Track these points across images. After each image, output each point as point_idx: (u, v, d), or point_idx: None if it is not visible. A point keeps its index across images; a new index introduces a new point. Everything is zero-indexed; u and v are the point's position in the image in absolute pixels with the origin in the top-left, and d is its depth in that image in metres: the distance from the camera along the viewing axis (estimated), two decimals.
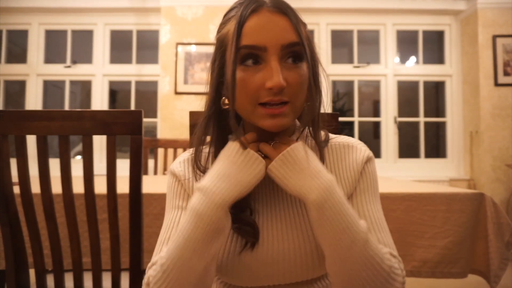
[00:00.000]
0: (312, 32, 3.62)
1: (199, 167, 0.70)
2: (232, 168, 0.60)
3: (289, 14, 0.61)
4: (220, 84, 0.66)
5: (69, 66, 3.63)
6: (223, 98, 0.66)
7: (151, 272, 0.62)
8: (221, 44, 0.65)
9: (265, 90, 0.59)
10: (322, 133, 0.72)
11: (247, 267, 0.65)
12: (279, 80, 0.57)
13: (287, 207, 0.68)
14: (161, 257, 0.61)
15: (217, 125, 0.68)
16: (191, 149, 0.72)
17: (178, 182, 0.71)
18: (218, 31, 0.67)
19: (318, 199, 0.57)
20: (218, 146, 0.67)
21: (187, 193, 0.71)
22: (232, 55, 0.60)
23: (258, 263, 0.65)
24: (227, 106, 0.64)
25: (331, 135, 0.75)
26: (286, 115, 0.61)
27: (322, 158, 0.67)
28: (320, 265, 0.66)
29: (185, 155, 0.74)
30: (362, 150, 0.72)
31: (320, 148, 0.68)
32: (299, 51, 0.61)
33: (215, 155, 0.66)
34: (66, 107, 3.68)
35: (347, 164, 0.71)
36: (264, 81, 0.59)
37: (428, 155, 3.69)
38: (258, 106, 0.60)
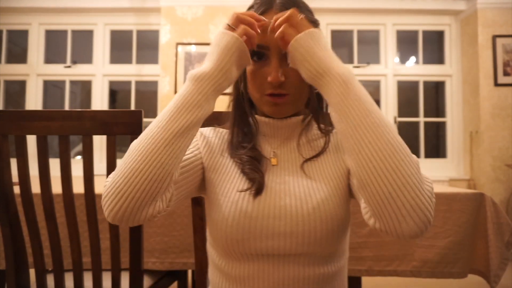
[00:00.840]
0: None
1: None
2: (211, 49, 0.65)
3: None
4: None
5: (69, 66, 3.63)
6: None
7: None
8: None
9: (268, 83, 0.68)
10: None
11: (249, 217, 0.66)
12: (277, 76, 0.67)
13: (289, 173, 0.71)
14: None
15: (239, 109, 0.77)
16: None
17: (200, 135, 0.77)
18: None
19: (346, 73, 0.59)
20: (240, 125, 0.76)
21: (196, 147, 0.74)
22: None
23: (259, 216, 0.66)
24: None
25: None
26: (286, 105, 0.71)
27: (327, 143, 0.74)
28: (321, 230, 0.65)
29: (204, 128, 0.80)
30: None
31: (325, 132, 0.75)
32: None
33: (236, 134, 0.75)
34: (66, 107, 3.68)
35: None
36: (267, 75, 0.68)
37: (428, 155, 3.70)
38: (264, 96, 0.70)
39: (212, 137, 0.78)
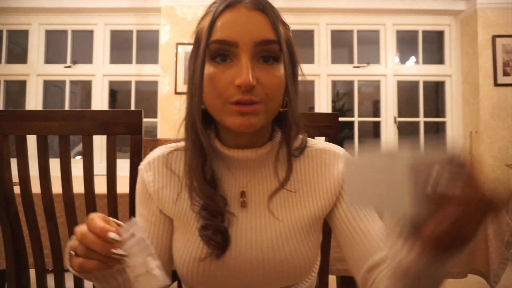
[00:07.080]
0: (311, 32, 3.62)
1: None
2: None
3: (267, 11, 0.58)
4: None
5: (69, 66, 3.63)
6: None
7: None
8: (196, 41, 0.64)
9: (234, 88, 0.56)
10: (300, 137, 0.68)
11: (212, 274, 0.62)
12: (248, 78, 0.54)
13: (259, 216, 0.64)
14: None
15: (193, 130, 0.63)
16: (164, 145, 0.72)
17: (146, 190, 0.69)
18: (196, 27, 0.65)
19: None
20: (194, 145, 0.63)
21: (153, 202, 0.68)
22: (202, 50, 0.58)
23: (224, 270, 0.62)
24: (203, 107, 0.61)
25: (311, 140, 0.71)
26: (257, 115, 0.57)
27: (290, 168, 0.64)
28: (290, 275, 0.63)
29: (157, 152, 0.71)
30: (342, 156, 0.68)
31: (291, 157, 0.65)
32: (274, 50, 0.58)
33: (191, 164, 0.63)
34: (66, 107, 3.68)
35: (326, 171, 0.67)
36: (234, 78, 0.55)
37: None
38: (228, 104, 0.57)
39: (156, 190, 0.67)
